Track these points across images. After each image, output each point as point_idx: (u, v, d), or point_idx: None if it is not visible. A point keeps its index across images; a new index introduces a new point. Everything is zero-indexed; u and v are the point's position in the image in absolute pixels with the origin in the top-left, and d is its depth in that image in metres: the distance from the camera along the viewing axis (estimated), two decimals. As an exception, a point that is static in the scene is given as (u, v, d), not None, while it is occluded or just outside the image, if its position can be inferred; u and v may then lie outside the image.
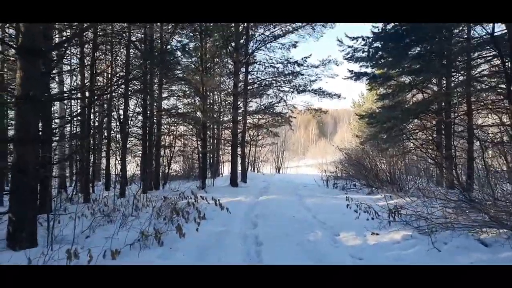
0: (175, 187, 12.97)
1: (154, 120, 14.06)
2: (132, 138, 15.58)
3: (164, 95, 15.86)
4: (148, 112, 13.05)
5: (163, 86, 15.52)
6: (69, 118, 9.73)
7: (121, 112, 13.22)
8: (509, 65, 8.06)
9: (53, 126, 7.66)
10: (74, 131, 12.45)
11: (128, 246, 3.97)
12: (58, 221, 4.57)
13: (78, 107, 12.29)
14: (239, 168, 15.71)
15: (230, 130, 14.50)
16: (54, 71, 8.64)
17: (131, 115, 15.68)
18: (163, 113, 13.84)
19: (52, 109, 7.86)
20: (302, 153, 64.89)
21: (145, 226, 4.56)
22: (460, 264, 3.54)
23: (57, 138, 8.34)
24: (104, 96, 14.80)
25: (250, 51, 14.03)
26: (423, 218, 5.21)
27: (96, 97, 9.17)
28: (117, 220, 4.98)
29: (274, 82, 14.98)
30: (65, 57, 10.40)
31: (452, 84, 13.29)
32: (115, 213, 6.00)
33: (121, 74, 12.64)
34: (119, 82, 11.44)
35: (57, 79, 10.03)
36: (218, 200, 6.89)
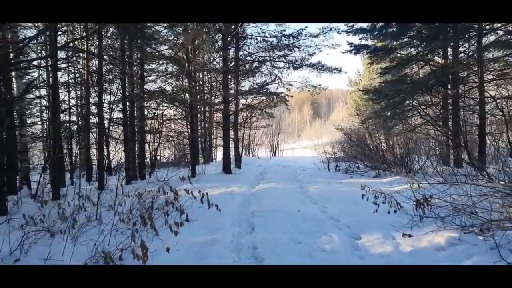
0: (163, 176, 11.80)
1: (135, 104, 12.75)
2: (114, 124, 14.25)
3: (151, 77, 14.49)
4: (128, 94, 11.71)
5: (146, 65, 14.17)
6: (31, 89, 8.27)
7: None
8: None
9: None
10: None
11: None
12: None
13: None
14: (232, 153, 14.51)
15: (221, 112, 13.20)
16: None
17: (108, 99, 14.38)
18: (146, 95, 12.47)
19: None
20: (297, 135, 63.85)
21: (103, 240, 3.36)
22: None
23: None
24: (78, 76, 13.44)
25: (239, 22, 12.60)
26: (465, 213, 4.06)
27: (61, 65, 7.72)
28: (67, 229, 3.74)
29: (267, 58, 13.62)
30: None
31: (461, 55, 12.16)
32: (78, 215, 4.76)
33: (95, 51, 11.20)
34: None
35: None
36: (206, 194, 5.67)
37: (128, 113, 12.00)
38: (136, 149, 12.52)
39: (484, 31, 10.76)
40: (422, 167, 10.61)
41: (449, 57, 12.39)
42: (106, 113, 14.68)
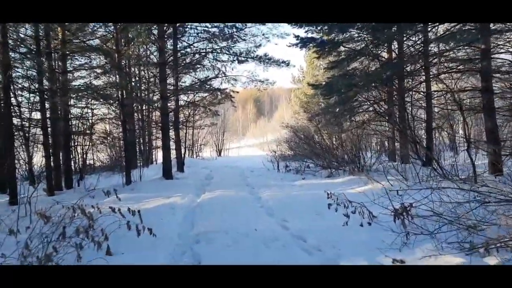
0: (93, 184, 10.16)
1: (58, 101, 10.85)
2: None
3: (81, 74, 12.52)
4: (47, 90, 9.84)
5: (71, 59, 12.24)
6: None
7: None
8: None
9: None
10: None
11: None
12: None
13: None
14: (174, 155, 13.12)
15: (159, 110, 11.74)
16: None
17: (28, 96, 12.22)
18: (70, 92, 10.61)
19: None
20: (242, 133, 63.21)
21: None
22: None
23: None
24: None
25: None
26: (461, 227, 3.33)
27: None
28: None
29: (209, 50, 12.43)
30: None
31: (408, 49, 12.08)
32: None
33: None
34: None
35: None
36: (138, 212, 4.42)
37: (47, 112, 10.15)
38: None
39: (430, 25, 10.67)
40: (373, 165, 10.25)
41: (395, 51, 12.26)
42: (24, 112, 12.56)
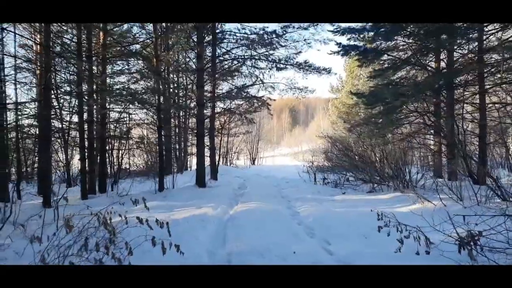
0: (126, 188, 10.11)
1: (95, 105, 10.99)
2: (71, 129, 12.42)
3: (120, 79, 12.72)
4: (86, 92, 9.94)
5: (111, 64, 12.46)
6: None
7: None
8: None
9: None
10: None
11: None
12: None
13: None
14: (208, 162, 12.91)
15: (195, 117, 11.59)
16: None
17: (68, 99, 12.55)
18: (107, 95, 10.69)
19: None
20: (276, 142, 62.73)
21: None
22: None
23: None
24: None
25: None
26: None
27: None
28: None
29: (248, 57, 12.17)
30: None
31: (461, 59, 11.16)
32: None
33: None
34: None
35: None
36: (167, 224, 4.10)
37: (85, 115, 10.25)
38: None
39: (485, 32, 9.80)
40: (419, 181, 9.40)
41: (444, 60, 11.38)
42: (65, 116, 12.91)
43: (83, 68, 9.22)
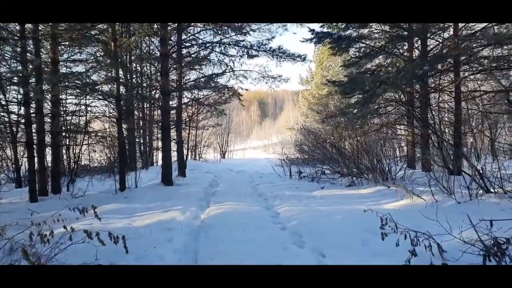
0: (83, 188, 9.02)
1: (47, 95, 9.72)
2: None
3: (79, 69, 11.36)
4: (33, 80, 8.68)
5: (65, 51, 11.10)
6: None
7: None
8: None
9: None
10: None
11: None
12: None
13: None
14: (175, 157, 11.93)
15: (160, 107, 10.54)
16: None
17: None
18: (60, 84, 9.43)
19: None
20: (246, 135, 62.06)
21: None
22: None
23: None
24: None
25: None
26: None
27: None
28: None
29: (217, 43, 11.24)
30: None
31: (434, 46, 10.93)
32: None
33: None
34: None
35: None
36: (122, 238, 3.27)
37: (33, 107, 8.98)
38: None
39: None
40: (398, 172, 9.02)
41: (418, 48, 11.09)
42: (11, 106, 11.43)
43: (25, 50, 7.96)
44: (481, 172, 5.91)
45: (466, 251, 2.95)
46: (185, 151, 13.72)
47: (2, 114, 10.74)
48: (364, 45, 11.68)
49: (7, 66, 10.35)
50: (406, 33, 10.73)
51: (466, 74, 10.03)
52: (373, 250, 3.45)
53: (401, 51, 11.51)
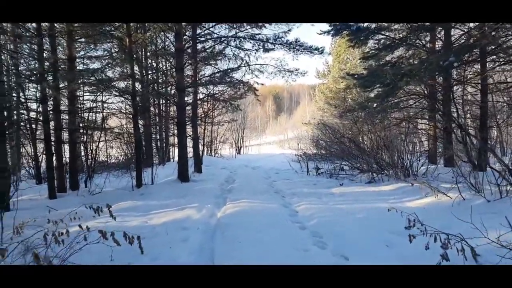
0: (101, 184, 9.07)
1: (64, 92, 9.79)
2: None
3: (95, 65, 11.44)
4: (51, 77, 8.75)
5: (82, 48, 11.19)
6: None
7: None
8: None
9: None
10: None
11: None
12: None
13: None
14: (191, 153, 11.86)
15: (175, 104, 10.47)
16: None
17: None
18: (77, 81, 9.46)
19: None
20: (261, 130, 61.87)
21: None
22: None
23: None
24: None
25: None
26: None
27: None
28: None
29: (232, 37, 11.07)
30: None
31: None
32: None
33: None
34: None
35: None
36: (138, 239, 3.16)
37: (51, 104, 9.07)
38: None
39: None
40: (420, 168, 8.67)
41: (441, 39, 10.63)
42: (30, 103, 11.60)
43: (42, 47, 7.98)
44: (510, 168, 5.57)
45: (505, 256, 2.70)
46: (200, 147, 13.67)
47: (21, 111, 10.89)
48: (383, 36, 11.29)
49: (25, 64, 10.49)
50: (428, 23, 10.30)
51: (494, 65, 9.54)
52: (398, 253, 3.24)
53: (423, 42, 11.07)
